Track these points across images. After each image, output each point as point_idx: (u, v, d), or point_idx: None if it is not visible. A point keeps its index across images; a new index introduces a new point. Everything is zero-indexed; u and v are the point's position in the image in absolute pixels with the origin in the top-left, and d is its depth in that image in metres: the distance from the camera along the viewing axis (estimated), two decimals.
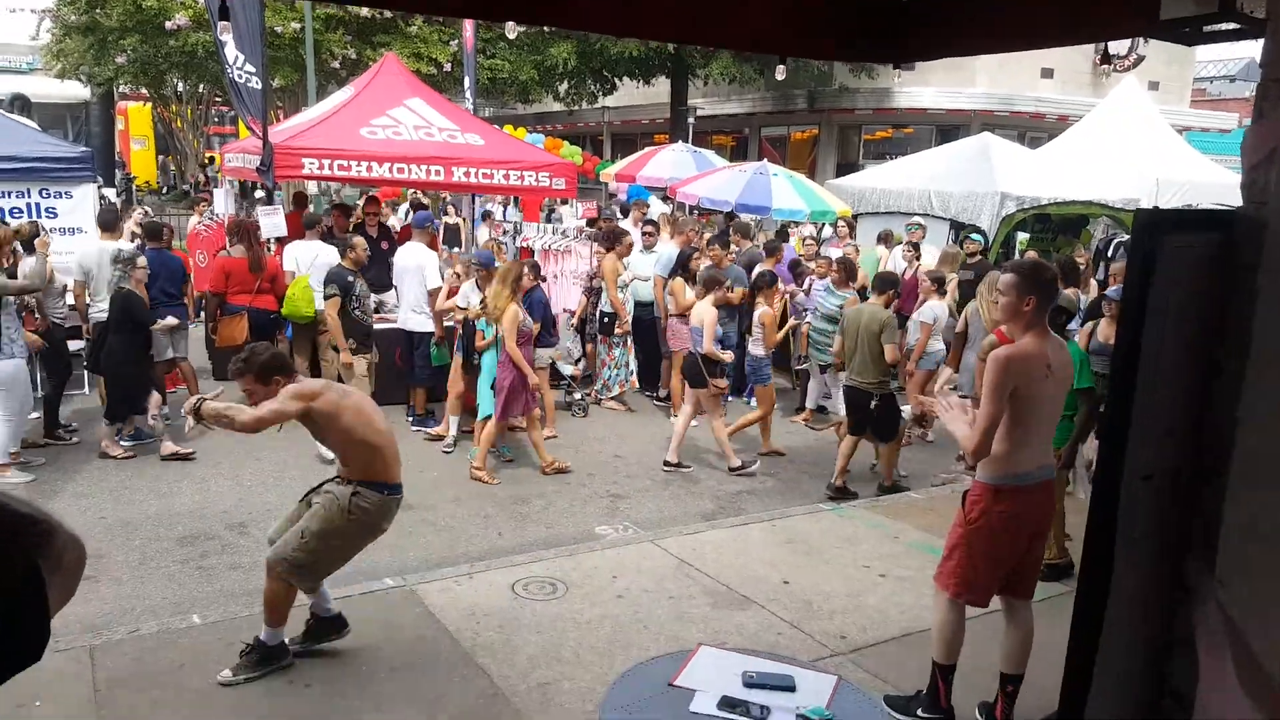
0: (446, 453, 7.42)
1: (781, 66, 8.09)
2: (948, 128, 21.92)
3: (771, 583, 5.07)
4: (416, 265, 8.00)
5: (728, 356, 7.24)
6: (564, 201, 14.25)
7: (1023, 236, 11.94)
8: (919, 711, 3.79)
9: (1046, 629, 3.64)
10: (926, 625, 4.19)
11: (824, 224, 12.73)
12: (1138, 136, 13.37)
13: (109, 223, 7.86)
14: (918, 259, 9.66)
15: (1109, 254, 10.82)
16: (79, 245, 8.11)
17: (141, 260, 7.00)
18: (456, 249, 12.04)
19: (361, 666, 4.07)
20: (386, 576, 4.95)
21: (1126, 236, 10.93)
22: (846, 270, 8.14)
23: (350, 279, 7.19)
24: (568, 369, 9.00)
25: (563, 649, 4.26)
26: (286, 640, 4.05)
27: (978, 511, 3.57)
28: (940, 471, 7.37)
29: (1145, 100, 14.79)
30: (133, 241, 8.38)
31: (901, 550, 5.63)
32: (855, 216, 12.58)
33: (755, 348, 7.58)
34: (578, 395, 8.87)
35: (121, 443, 7.03)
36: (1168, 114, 16.26)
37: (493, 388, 6.91)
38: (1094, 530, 2.47)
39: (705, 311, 7.11)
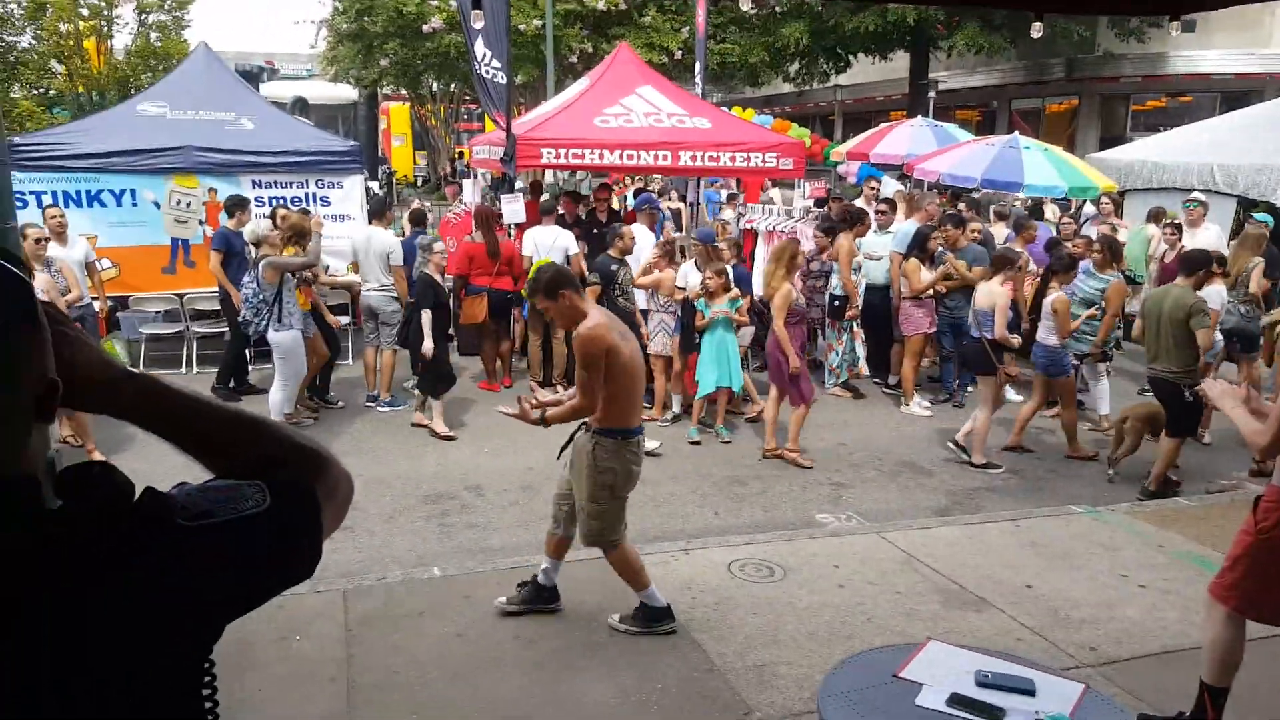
0: (663, 425, 7.53)
1: (1038, 24, 7.43)
2: (1236, 94, 19.09)
3: (1012, 585, 4.66)
4: (637, 247, 8.19)
5: (1016, 341, 6.79)
6: (775, 183, 13.96)
7: None
8: None
9: None
10: (1193, 643, 3.72)
11: (1084, 201, 11.55)
12: None
13: (378, 211, 8.69)
14: (1180, 241, 8.56)
15: None
16: (349, 231, 9.02)
17: (439, 245, 7.55)
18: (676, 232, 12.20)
19: (585, 627, 4.18)
20: None
21: None
22: (1110, 250, 7.33)
23: (613, 268, 7.53)
24: None
25: (780, 633, 4.15)
26: (556, 602, 4.29)
27: (1273, 520, 3.08)
28: (1219, 476, 6.47)
29: None
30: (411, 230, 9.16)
31: (1166, 560, 4.98)
32: (1122, 193, 11.32)
33: (1048, 336, 6.89)
34: None
35: (379, 409, 7.74)
36: None
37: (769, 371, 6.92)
38: None
39: (997, 293, 6.67)
